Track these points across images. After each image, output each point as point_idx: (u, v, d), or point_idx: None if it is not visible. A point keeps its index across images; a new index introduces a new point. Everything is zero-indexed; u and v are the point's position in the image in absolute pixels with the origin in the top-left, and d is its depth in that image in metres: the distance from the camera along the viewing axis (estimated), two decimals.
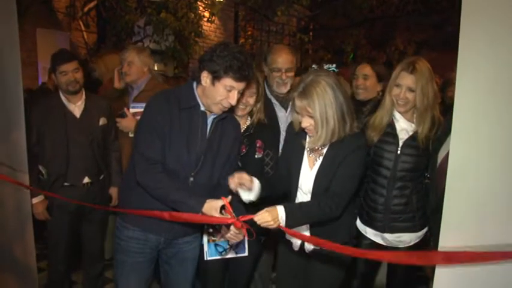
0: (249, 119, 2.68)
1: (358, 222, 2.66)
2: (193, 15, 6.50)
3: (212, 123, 2.27)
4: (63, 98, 3.12)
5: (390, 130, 2.50)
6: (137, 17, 6.17)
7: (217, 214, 2.02)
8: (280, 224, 1.98)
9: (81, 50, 6.76)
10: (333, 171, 2.20)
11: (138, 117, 3.03)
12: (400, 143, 2.46)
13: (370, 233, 2.58)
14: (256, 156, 2.63)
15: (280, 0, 8.06)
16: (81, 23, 6.65)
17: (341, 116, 2.15)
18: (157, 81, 3.63)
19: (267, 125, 2.70)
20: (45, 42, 6.25)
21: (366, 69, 3.29)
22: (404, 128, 2.48)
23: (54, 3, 6.42)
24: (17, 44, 2.68)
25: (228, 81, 2.08)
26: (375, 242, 2.58)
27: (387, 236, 2.52)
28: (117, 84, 3.58)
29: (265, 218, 1.95)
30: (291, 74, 2.93)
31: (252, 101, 2.57)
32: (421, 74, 2.38)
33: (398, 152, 2.44)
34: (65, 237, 3.19)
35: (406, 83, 2.40)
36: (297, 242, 2.37)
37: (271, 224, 1.95)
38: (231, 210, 2.01)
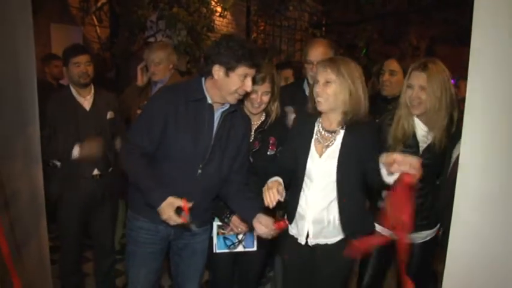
0: (264, 115, 2.69)
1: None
2: (205, 10, 6.49)
3: (221, 117, 2.30)
4: (73, 91, 3.17)
5: (412, 141, 2.47)
6: (150, 12, 6.18)
7: (171, 212, 2.11)
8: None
9: (94, 45, 6.80)
10: (357, 155, 2.19)
11: None
12: (421, 150, 2.44)
13: (382, 229, 2.56)
14: (268, 153, 2.64)
15: None
16: (94, 18, 6.68)
17: (364, 95, 2.18)
18: (179, 77, 3.69)
19: (282, 122, 2.71)
20: (59, 37, 6.30)
21: (393, 65, 3.34)
22: (424, 134, 2.46)
23: None
24: (31, 39, 2.72)
25: (242, 70, 2.16)
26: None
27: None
28: (140, 82, 3.63)
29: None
30: None
31: (266, 99, 2.58)
32: (433, 73, 2.34)
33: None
34: (75, 229, 3.24)
35: (418, 82, 2.38)
36: (302, 236, 2.37)
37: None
38: (187, 213, 2.12)
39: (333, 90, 2.17)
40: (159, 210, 2.15)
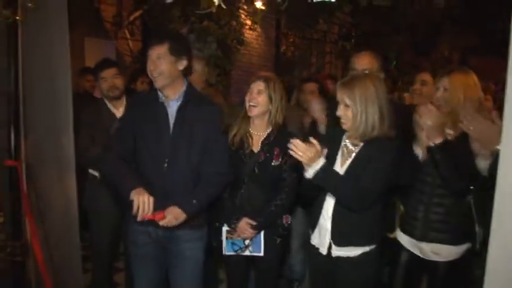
0: (270, 127, 2.72)
1: (398, 232, 2.64)
2: (235, 23, 6.56)
3: (177, 111, 2.42)
4: (108, 104, 3.24)
5: None
6: (181, 25, 6.29)
7: (141, 197, 2.21)
8: (308, 169, 2.09)
9: (126, 58, 6.95)
10: (363, 168, 2.20)
11: None
12: None
13: (407, 242, 2.56)
14: (273, 163, 2.66)
15: (322, 8, 8.02)
16: (126, 31, 6.84)
17: (380, 115, 2.18)
18: (210, 89, 3.70)
19: (288, 132, 2.73)
20: (92, 50, 6.46)
21: (425, 76, 3.44)
22: (447, 132, 2.44)
23: (102, 13, 6.64)
24: (67, 53, 2.80)
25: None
26: (413, 253, 2.54)
27: (424, 245, 2.48)
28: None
29: (305, 150, 2.06)
30: None
31: (260, 99, 2.61)
32: (457, 77, 2.42)
33: None
34: (108, 238, 3.27)
35: (442, 84, 2.47)
36: (324, 247, 2.35)
37: (301, 157, 2.06)
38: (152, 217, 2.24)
39: (351, 113, 2.20)
40: (131, 198, 2.23)
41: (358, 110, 2.17)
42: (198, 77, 3.50)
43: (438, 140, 2.31)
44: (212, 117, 2.48)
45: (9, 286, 2.91)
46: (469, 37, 10.76)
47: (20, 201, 2.76)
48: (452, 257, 2.46)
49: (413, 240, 2.53)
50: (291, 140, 2.07)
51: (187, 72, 2.49)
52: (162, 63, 2.36)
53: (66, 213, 2.97)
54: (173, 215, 2.30)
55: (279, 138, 2.67)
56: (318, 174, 2.09)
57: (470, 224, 2.45)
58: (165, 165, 2.38)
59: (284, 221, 2.75)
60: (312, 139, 2.10)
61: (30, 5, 2.65)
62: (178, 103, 2.42)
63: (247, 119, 2.71)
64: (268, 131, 2.71)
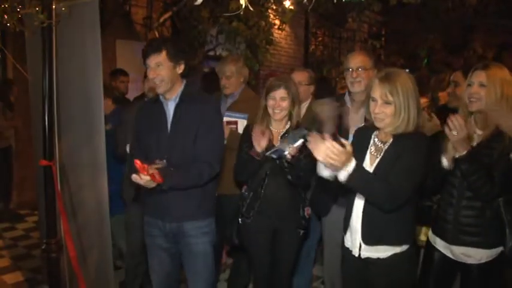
0: (288, 123, 2.85)
1: (430, 233, 2.59)
2: (264, 23, 6.58)
3: (175, 110, 2.54)
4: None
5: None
6: (210, 26, 6.35)
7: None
8: (342, 171, 1.96)
9: None
10: (392, 165, 2.14)
11: (232, 126, 3.30)
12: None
13: (439, 244, 2.50)
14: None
15: (351, 7, 7.95)
16: (156, 33, 6.93)
17: (418, 110, 2.14)
18: (250, 92, 3.72)
19: (304, 128, 2.75)
20: (123, 52, 6.59)
21: (457, 76, 3.27)
22: (476, 133, 2.39)
23: (132, 15, 6.76)
24: (99, 55, 2.87)
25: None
26: (444, 254, 2.50)
27: (454, 248, 2.43)
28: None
29: (340, 153, 1.91)
30: (363, 73, 2.89)
31: (284, 104, 2.76)
32: (495, 72, 2.31)
33: None
34: (137, 237, 3.34)
35: (478, 79, 2.35)
36: (355, 248, 2.32)
37: (333, 160, 1.91)
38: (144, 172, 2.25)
39: (391, 111, 2.14)
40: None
41: (401, 105, 2.11)
42: (236, 79, 3.53)
43: (463, 152, 2.26)
44: (205, 113, 2.55)
45: (44, 282, 2.99)
46: (503, 34, 10.45)
47: (54, 200, 2.84)
48: (484, 260, 2.40)
49: (444, 243, 2.48)
50: (327, 144, 1.92)
51: (184, 73, 2.58)
52: (162, 70, 2.46)
53: (98, 211, 3.04)
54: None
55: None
56: (351, 176, 1.98)
57: (502, 227, 2.38)
58: (164, 161, 2.46)
59: (305, 213, 2.87)
60: (343, 140, 2.00)
61: (63, 9, 2.73)
62: (176, 102, 2.55)
63: (268, 117, 2.85)
64: (287, 126, 2.85)
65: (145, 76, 3.36)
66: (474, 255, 2.40)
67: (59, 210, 2.87)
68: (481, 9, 9.36)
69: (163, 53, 2.45)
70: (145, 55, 2.49)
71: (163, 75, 2.46)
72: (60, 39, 2.80)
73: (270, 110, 2.80)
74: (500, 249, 2.40)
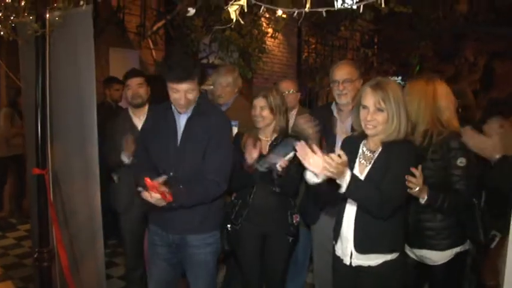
0: (277, 132, 2.91)
1: None
2: (257, 31, 6.61)
3: (186, 123, 2.53)
4: (130, 112, 3.35)
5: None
6: (203, 35, 6.37)
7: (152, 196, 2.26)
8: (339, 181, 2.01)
9: (149, 67, 7.06)
10: (383, 174, 2.17)
11: None
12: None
13: (407, 248, 2.56)
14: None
15: (344, 16, 8.01)
16: (150, 41, 6.95)
17: (407, 117, 2.19)
18: (243, 101, 3.73)
19: (293, 136, 2.79)
20: (117, 60, 6.58)
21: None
22: None
23: (126, 23, 6.76)
24: (92, 63, 2.87)
25: (170, 85, 2.43)
26: (413, 259, 2.59)
27: (415, 251, 2.54)
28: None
29: (337, 165, 1.95)
30: (350, 85, 2.92)
31: (264, 113, 2.84)
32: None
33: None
34: (141, 242, 3.35)
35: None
36: (346, 257, 2.33)
37: (331, 172, 1.95)
38: (154, 187, 2.23)
39: (384, 118, 2.17)
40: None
41: (394, 113, 2.15)
42: (231, 89, 3.55)
43: (425, 196, 2.31)
44: (215, 127, 2.54)
45: None
46: (493, 41, 10.55)
47: (46, 208, 2.83)
48: (442, 261, 2.49)
49: (408, 247, 2.56)
50: (326, 159, 1.96)
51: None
52: (191, 94, 2.46)
53: (90, 219, 3.03)
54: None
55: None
56: (350, 187, 2.01)
57: (457, 229, 2.49)
58: (171, 173, 2.45)
59: (294, 220, 2.89)
60: (341, 152, 2.02)
61: (57, 18, 2.74)
62: (188, 115, 2.54)
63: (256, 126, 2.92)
64: (275, 135, 2.91)
65: (126, 84, 3.37)
66: (432, 257, 2.50)
67: (51, 218, 2.86)
68: (471, 18, 9.46)
69: (195, 80, 2.44)
70: (174, 80, 2.41)
71: (191, 99, 2.47)
72: (54, 47, 2.80)
73: (253, 118, 2.88)
74: (455, 250, 2.49)
